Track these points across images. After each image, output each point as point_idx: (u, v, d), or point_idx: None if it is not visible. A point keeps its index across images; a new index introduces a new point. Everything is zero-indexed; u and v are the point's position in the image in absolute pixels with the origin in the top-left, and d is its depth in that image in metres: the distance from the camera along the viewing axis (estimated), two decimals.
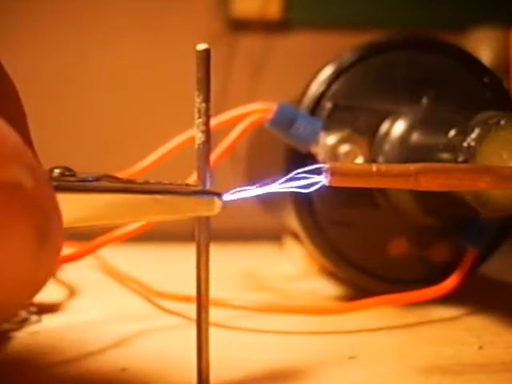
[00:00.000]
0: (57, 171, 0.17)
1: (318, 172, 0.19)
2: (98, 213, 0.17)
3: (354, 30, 0.60)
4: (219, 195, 0.19)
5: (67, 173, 0.17)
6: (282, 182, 0.19)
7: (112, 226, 0.18)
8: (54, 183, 0.16)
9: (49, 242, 0.13)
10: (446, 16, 0.64)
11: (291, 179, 0.19)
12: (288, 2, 0.62)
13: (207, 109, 0.19)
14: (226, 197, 0.19)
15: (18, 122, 0.19)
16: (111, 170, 0.34)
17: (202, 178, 0.19)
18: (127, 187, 0.17)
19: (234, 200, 0.19)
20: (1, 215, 0.12)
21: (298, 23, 0.63)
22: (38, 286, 0.14)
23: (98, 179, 0.17)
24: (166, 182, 0.19)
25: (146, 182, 0.18)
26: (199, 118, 0.19)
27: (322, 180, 0.19)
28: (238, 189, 0.19)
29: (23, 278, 0.13)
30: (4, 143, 0.13)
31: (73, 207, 0.16)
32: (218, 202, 0.19)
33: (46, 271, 0.14)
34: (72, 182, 0.17)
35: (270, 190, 0.19)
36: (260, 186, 0.19)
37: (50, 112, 0.59)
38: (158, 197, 0.18)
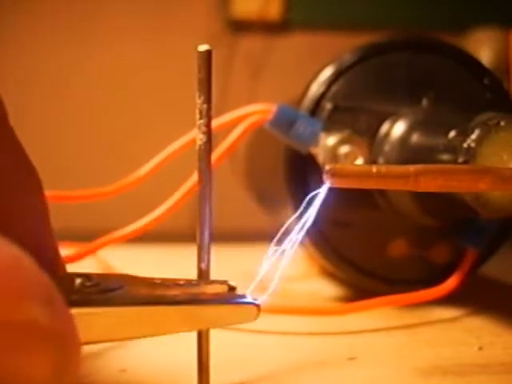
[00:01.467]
0: (78, 281, 0.16)
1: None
2: (121, 328, 0.15)
3: (354, 30, 0.60)
4: (257, 305, 0.18)
5: (88, 283, 0.16)
6: (303, 215, 0.18)
7: (136, 339, 0.17)
8: (74, 297, 0.15)
9: (68, 375, 0.12)
10: (446, 17, 0.64)
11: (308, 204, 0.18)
12: (288, 3, 0.62)
13: (208, 110, 0.19)
14: (263, 300, 0.18)
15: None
16: (112, 172, 0.35)
17: (202, 180, 0.19)
18: (153, 298, 0.16)
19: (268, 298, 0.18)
20: (15, 355, 0.11)
21: (298, 24, 0.63)
22: None
23: (120, 287, 0.16)
24: (193, 280, 0.18)
25: (174, 284, 0.17)
26: (200, 118, 0.19)
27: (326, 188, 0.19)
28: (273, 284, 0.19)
29: None
30: (16, 277, 0.12)
31: (95, 322, 0.15)
32: (255, 310, 0.18)
33: None
34: (93, 295, 0.16)
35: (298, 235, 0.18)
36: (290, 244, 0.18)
37: (50, 113, 0.59)
38: (189, 308, 0.16)
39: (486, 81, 0.32)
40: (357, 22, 0.63)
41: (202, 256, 0.19)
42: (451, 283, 0.30)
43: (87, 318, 0.14)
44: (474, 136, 0.24)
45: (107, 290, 0.16)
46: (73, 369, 0.12)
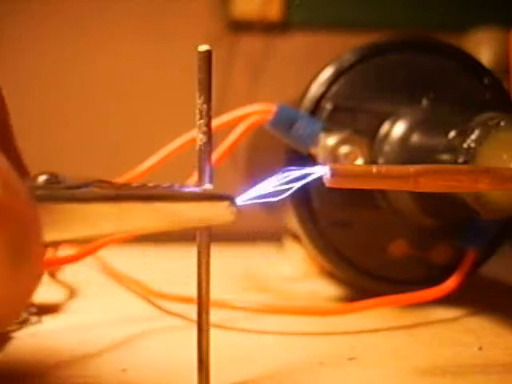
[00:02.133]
0: (42, 178, 0.15)
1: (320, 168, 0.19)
2: (87, 225, 0.15)
3: (354, 31, 0.60)
4: (232, 199, 0.17)
5: (53, 180, 0.15)
6: (289, 181, 0.18)
7: (104, 237, 0.16)
8: (38, 192, 0.14)
9: (26, 261, 0.12)
10: (445, 17, 0.64)
11: (297, 178, 0.18)
12: (288, 3, 0.62)
13: (208, 110, 0.19)
14: (240, 200, 0.17)
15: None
16: (112, 172, 0.34)
17: (202, 180, 0.19)
18: (120, 194, 0.15)
19: (247, 204, 0.17)
20: None
21: (298, 24, 0.63)
22: (17, 308, 0.12)
23: (87, 185, 0.15)
24: (166, 184, 0.17)
25: (143, 186, 0.16)
26: (200, 119, 0.19)
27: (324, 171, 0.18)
28: (244, 192, 0.17)
29: (3, 298, 0.12)
30: None
31: (59, 219, 0.14)
32: (231, 208, 0.16)
33: (25, 292, 0.12)
34: (58, 190, 0.15)
35: (280, 192, 0.18)
36: (268, 187, 0.18)
37: (50, 113, 0.59)
38: (158, 204, 0.15)
39: (485, 81, 0.32)
40: (357, 22, 0.63)
41: None
42: (451, 283, 0.30)
43: (51, 214, 0.13)
44: (473, 136, 0.24)
45: (73, 187, 0.15)
46: (33, 258, 0.12)
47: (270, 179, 0.18)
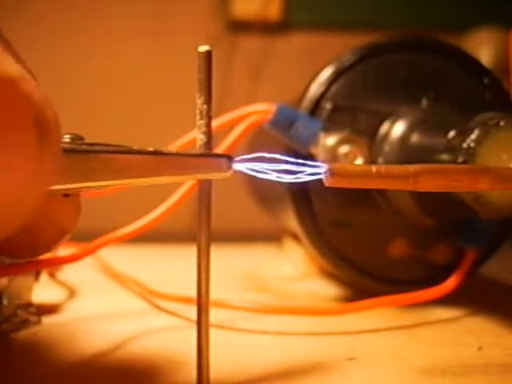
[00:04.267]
0: (67, 137, 0.18)
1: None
2: (106, 173, 0.17)
3: (354, 31, 0.60)
4: (229, 157, 0.19)
5: (77, 138, 0.18)
6: (289, 162, 0.19)
7: (121, 186, 0.18)
8: (64, 145, 0.16)
9: (48, 142, 0.13)
10: (445, 17, 0.64)
11: (298, 163, 0.19)
12: (288, 3, 0.62)
13: (208, 110, 0.19)
14: (237, 162, 0.19)
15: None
16: None
17: (202, 179, 0.19)
18: (133, 149, 0.18)
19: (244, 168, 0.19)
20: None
21: (298, 24, 0.63)
22: (40, 192, 0.14)
23: (107, 145, 0.18)
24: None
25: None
26: (201, 119, 0.19)
27: (320, 171, 0.19)
28: (248, 158, 0.19)
29: (26, 177, 0.13)
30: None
31: (81, 168, 0.17)
32: (228, 164, 0.19)
33: (47, 175, 0.14)
34: (81, 145, 0.17)
35: (277, 170, 0.19)
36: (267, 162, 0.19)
37: None
38: (165, 157, 0.18)
39: (485, 81, 0.32)
40: (356, 22, 0.63)
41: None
42: (451, 283, 0.30)
43: (75, 163, 0.16)
44: (473, 136, 0.24)
45: (94, 144, 0.17)
46: (53, 141, 0.14)
47: (274, 156, 0.19)
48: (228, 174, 0.19)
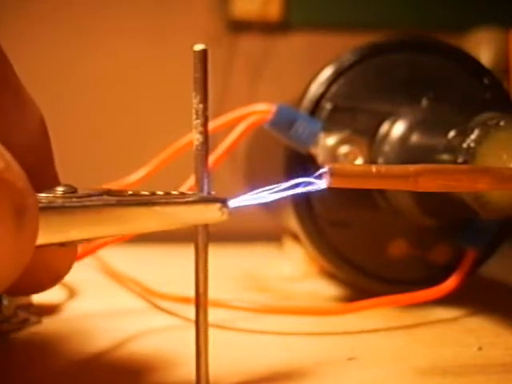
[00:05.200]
0: (60, 189, 0.17)
1: (318, 176, 0.19)
2: (95, 227, 0.17)
3: (354, 31, 0.60)
4: (224, 201, 0.18)
5: (69, 191, 0.18)
6: (285, 188, 0.19)
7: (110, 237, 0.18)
8: (41, 205, 0.16)
9: (27, 220, 0.14)
10: (445, 17, 0.64)
11: (293, 185, 0.19)
12: (288, 3, 0.62)
13: (205, 109, 0.19)
14: (232, 203, 0.18)
15: None
16: (111, 173, 0.35)
17: (200, 181, 0.19)
18: (123, 201, 0.17)
19: (240, 206, 0.18)
20: None
21: (298, 24, 0.63)
22: (19, 266, 0.14)
23: (99, 195, 0.17)
24: (172, 191, 0.19)
25: (148, 195, 0.18)
26: (197, 119, 0.19)
27: (323, 184, 0.19)
28: (242, 195, 0.19)
29: (5, 258, 0.13)
30: None
31: (70, 223, 0.16)
32: (223, 209, 0.18)
33: (26, 250, 0.14)
34: (72, 200, 0.17)
35: (274, 197, 0.19)
36: (263, 192, 0.19)
37: (48, 113, 0.59)
38: (157, 208, 0.17)
39: (485, 81, 0.32)
40: (357, 22, 0.63)
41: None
42: (451, 283, 0.30)
43: (64, 217, 0.16)
44: (473, 136, 0.24)
45: (85, 196, 0.17)
46: (31, 218, 0.14)
47: (267, 188, 0.19)
48: (224, 217, 0.18)
